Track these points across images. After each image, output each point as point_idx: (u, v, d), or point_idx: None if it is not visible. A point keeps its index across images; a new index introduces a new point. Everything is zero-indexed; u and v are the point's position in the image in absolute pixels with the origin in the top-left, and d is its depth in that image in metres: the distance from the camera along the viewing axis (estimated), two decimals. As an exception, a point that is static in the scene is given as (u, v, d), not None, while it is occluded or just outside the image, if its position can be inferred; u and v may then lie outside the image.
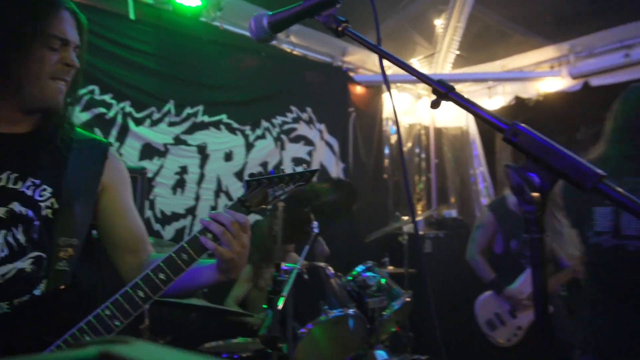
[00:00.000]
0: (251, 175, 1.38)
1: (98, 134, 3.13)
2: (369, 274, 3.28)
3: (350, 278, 3.33)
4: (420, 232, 4.61)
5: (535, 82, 5.27)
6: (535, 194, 0.73)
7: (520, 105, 5.59)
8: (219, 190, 3.80)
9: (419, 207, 6.06)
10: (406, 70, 0.96)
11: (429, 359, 3.38)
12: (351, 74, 5.02)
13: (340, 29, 1.05)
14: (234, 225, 1.22)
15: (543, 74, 5.22)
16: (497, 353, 3.48)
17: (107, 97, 3.31)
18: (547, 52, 5.14)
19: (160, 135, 3.53)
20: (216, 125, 3.84)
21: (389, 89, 1.14)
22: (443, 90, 0.86)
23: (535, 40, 5.12)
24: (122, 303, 1.17)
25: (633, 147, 1.87)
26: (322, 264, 3.07)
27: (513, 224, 3.43)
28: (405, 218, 3.87)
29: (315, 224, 2.85)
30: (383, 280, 3.28)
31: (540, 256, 0.73)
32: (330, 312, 2.77)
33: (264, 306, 3.11)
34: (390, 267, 3.99)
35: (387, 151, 5.51)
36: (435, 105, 0.88)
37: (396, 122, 1.08)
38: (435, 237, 4.59)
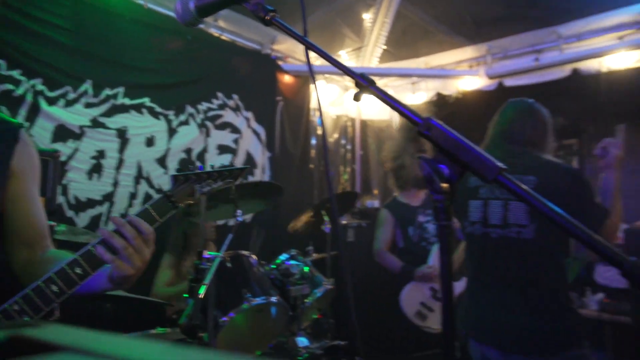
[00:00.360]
0: (179, 169, 1.36)
1: (5, 112, 2.91)
2: (292, 262, 3.32)
3: (273, 266, 3.35)
4: (344, 222, 4.71)
5: (455, 80, 5.54)
6: (444, 184, 0.78)
7: (441, 101, 5.85)
8: (139, 177, 3.65)
9: (343, 197, 6.19)
10: (331, 63, 0.99)
11: (348, 344, 3.48)
12: (280, 62, 5.00)
13: (267, 17, 1.06)
14: (136, 239, 1.17)
15: (462, 72, 5.49)
16: (418, 336, 3.65)
17: (15, 73, 3.06)
18: (467, 52, 5.41)
19: (75, 116, 3.33)
20: (138, 108, 3.68)
21: (313, 80, 1.15)
22: (364, 84, 0.89)
23: (457, 40, 5.37)
24: (33, 297, 1.11)
25: (503, 152, 2.15)
26: (245, 252, 3.07)
27: (406, 214, 3.64)
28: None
29: (239, 212, 2.83)
30: (306, 269, 3.33)
31: (448, 242, 0.78)
32: (253, 300, 2.78)
33: (185, 295, 3.07)
34: (315, 255, 4.05)
35: (313, 142, 5.57)
36: (357, 97, 0.91)
37: (320, 111, 1.09)
38: (358, 226, 4.71)
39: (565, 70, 5.03)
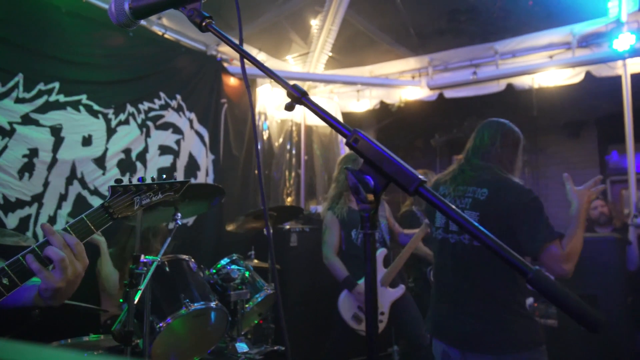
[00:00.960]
0: (117, 180, 1.32)
1: None
2: (233, 266, 3.30)
3: (214, 271, 3.32)
4: (287, 226, 4.72)
5: (399, 89, 5.69)
6: (370, 194, 0.81)
7: (384, 109, 6.00)
8: (73, 177, 3.50)
9: (288, 202, 6.20)
10: (265, 72, 1.00)
11: (287, 348, 3.49)
12: (225, 64, 4.96)
13: (203, 24, 1.06)
14: (66, 249, 1.12)
15: (405, 82, 5.65)
16: (355, 339, 3.70)
17: (-64, 64, 2.87)
18: (410, 63, 5.58)
19: (4, 112, 3.15)
20: (74, 105, 3.53)
21: (247, 87, 1.16)
22: (297, 95, 0.91)
23: (400, 50, 5.53)
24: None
25: (470, 165, 2.36)
26: (185, 257, 3.01)
27: (350, 217, 3.72)
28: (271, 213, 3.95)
29: (178, 215, 2.78)
30: (247, 273, 3.32)
31: (372, 249, 0.82)
32: (191, 305, 2.73)
33: (121, 300, 2.97)
34: (256, 261, 4.04)
35: (259, 147, 5.55)
36: (289, 108, 0.93)
37: (252, 114, 1.10)
38: (301, 231, 4.73)
39: (500, 85, 5.29)
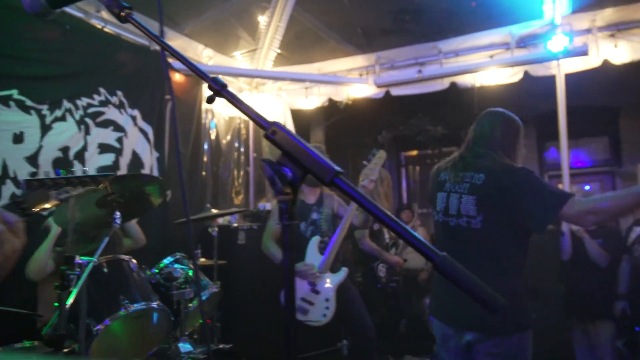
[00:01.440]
0: (32, 174, 1.27)
1: None
2: (176, 265, 3.24)
3: (156, 271, 3.24)
4: (235, 224, 4.67)
5: (347, 87, 5.74)
6: (287, 186, 0.81)
7: (332, 107, 6.04)
8: (4, 177, 3.32)
9: (237, 200, 6.14)
10: (185, 65, 0.99)
11: (233, 347, 3.46)
12: (170, 60, 4.83)
13: (122, 14, 1.03)
14: (14, 224, 1.09)
15: (353, 80, 5.71)
16: (305, 335, 3.68)
17: None
18: (357, 61, 5.64)
19: None
20: (4, 101, 3.34)
21: (168, 79, 1.13)
22: (216, 87, 0.90)
23: (348, 48, 5.59)
24: None
25: (471, 153, 2.42)
26: (125, 257, 2.93)
27: (300, 210, 3.73)
28: (215, 211, 3.90)
29: (117, 214, 2.69)
30: (190, 272, 3.26)
31: (290, 240, 0.82)
32: (131, 306, 2.66)
33: (56, 304, 2.84)
34: (202, 259, 3.98)
35: (206, 146, 5.46)
36: (210, 100, 0.92)
37: (172, 106, 1.09)
38: (249, 229, 4.69)
39: (444, 83, 5.44)
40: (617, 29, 4.76)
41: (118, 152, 4.27)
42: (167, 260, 3.26)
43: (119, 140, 4.28)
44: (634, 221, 3.68)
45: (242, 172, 6.18)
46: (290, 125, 6.27)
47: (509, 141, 2.40)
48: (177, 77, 4.93)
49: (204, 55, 5.14)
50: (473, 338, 2.26)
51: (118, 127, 4.26)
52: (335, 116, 6.97)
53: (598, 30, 4.78)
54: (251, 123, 6.15)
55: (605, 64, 4.82)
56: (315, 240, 3.63)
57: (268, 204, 5.46)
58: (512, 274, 2.28)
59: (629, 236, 3.32)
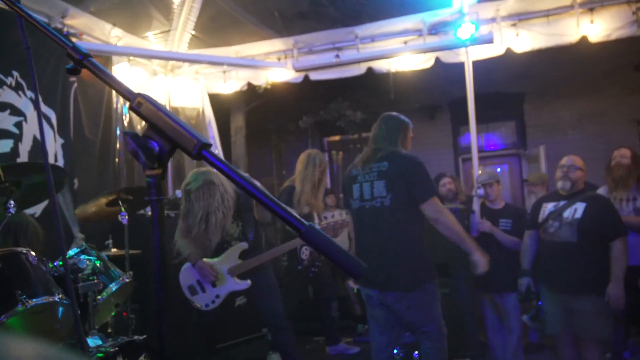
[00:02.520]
0: None
1: None
2: (82, 256, 3.07)
3: (60, 263, 3.06)
4: (150, 212, 4.50)
5: (265, 70, 5.68)
6: (154, 160, 0.78)
7: (252, 91, 5.96)
8: None
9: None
10: (40, 29, 0.91)
11: (147, 338, 3.35)
12: (74, 39, 4.53)
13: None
14: None
15: (272, 64, 5.66)
16: (230, 322, 3.62)
17: None
18: (276, 45, 5.59)
19: None
20: None
21: (27, 49, 1.06)
22: (78, 57, 0.85)
23: (266, 31, 5.53)
24: None
25: (376, 148, 2.98)
26: (23, 249, 2.73)
27: None
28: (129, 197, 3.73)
29: (11, 203, 2.50)
30: (98, 262, 3.11)
31: (159, 217, 0.80)
32: (29, 302, 2.49)
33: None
34: (114, 250, 3.81)
35: (118, 132, 5.19)
36: (72, 71, 0.86)
37: (34, 85, 1.01)
38: (166, 217, 4.55)
39: (361, 68, 5.53)
40: (518, 18, 5.07)
41: (17, 138, 3.97)
42: (72, 252, 3.08)
43: (18, 125, 3.97)
44: (540, 198, 3.93)
45: (159, 159, 5.95)
46: (209, 110, 6.12)
47: (402, 138, 3.02)
48: (83, 58, 4.63)
49: (113, 35, 4.87)
50: (394, 297, 2.85)
51: (16, 111, 3.95)
52: (256, 101, 6.89)
53: (502, 20, 5.06)
54: (167, 107, 5.92)
55: (509, 51, 5.13)
56: (241, 244, 3.52)
57: (185, 191, 5.31)
58: (416, 239, 2.90)
59: (538, 214, 3.48)
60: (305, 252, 4.50)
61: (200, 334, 3.78)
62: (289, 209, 0.74)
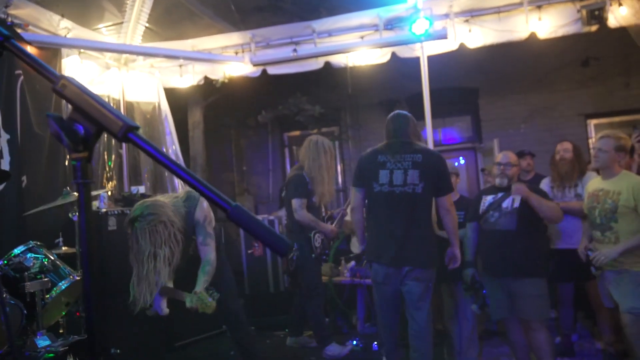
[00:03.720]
0: None
1: None
2: (29, 255, 2.98)
3: (5, 262, 2.95)
4: (104, 210, 4.39)
5: (223, 65, 5.62)
6: (78, 143, 0.77)
7: (209, 85, 5.89)
8: None
9: (110, 187, 5.77)
10: None
11: (100, 337, 3.29)
12: (19, 30, 4.35)
13: None
14: None
15: (229, 58, 5.59)
16: (191, 319, 3.55)
17: None
18: (232, 39, 5.53)
19: None
20: None
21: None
22: (-1, 38, 0.82)
23: (222, 25, 5.47)
24: None
25: (400, 142, 3.37)
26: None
27: None
28: (76, 194, 3.63)
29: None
30: (45, 260, 3.02)
31: (85, 200, 0.79)
32: (-30, 302, 2.40)
33: None
34: (65, 248, 3.71)
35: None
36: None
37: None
38: (120, 214, 4.44)
39: (319, 63, 5.55)
40: (470, 15, 5.19)
41: (-43, 133, 3.79)
42: (17, 250, 2.99)
43: (-42, 120, 3.79)
44: (479, 192, 4.11)
45: (113, 156, 5.80)
46: (164, 105, 6.01)
47: (414, 132, 3.48)
48: (29, 50, 4.45)
49: (61, 27, 4.70)
50: (408, 269, 3.26)
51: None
52: (214, 95, 6.80)
53: (455, 16, 5.17)
54: (122, 102, 5.78)
55: (462, 47, 5.26)
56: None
57: (141, 187, 5.20)
58: (431, 224, 3.49)
59: (479, 206, 3.64)
60: (318, 240, 4.40)
61: (159, 332, 3.72)
62: (215, 189, 0.75)
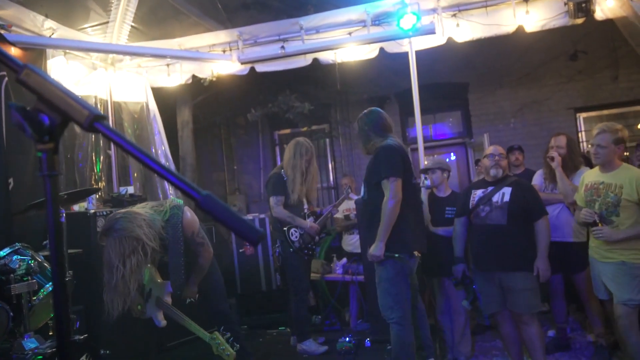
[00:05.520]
0: None
1: None
2: (15, 257, 2.94)
3: (-9, 265, 2.91)
4: (92, 211, 4.35)
5: (210, 63, 5.58)
6: (44, 134, 0.75)
7: (197, 84, 5.85)
8: None
9: (99, 187, 5.72)
10: None
11: (89, 338, 3.26)
12: (2, 31, 4.29)
13: None
14: None
15: (217, 56, 5.56)
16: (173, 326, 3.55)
17: None
18: (220, 37, 5.50)
19: None
20: None
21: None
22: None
23: (209, 23, 5.43)
24: None
25: (385, 134, 3.49)
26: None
27: None
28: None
29: None
30: (32, 262, 2.98)
31: (53, 194, 0.77)
32: (-46, 305, 2.37)
33: None
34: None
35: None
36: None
37: None
38: (109, 214, 4.39)
39: (307, 59, 5.53)
40: (458, 9, 5.19)
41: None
42: (3, 252, 2.94)
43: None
44: (468, 186, 4.10)
45: (102, 157, 5.75)
46: (152, 104, 5.96)
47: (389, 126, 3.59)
48: (13, 52, 4.40)
49: (45, 27, 4.65)
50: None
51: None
52: (202, 94, 6.76)
53: (442, 10, 5.17)
54: (110, 103, 5.73)
55: (450, 41, 5.25)
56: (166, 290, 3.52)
57: (130, 188, 5.16)
58: None
59: (468, 200, 3.63)
60: (295, 234, 4.46)
61: (149, 333, 3.69)
62: (185, 179, 0.73)
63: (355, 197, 5.11)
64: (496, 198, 3.45)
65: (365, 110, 3.67)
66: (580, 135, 7.73)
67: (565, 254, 3.73)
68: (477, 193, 3.59)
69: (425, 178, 4.52)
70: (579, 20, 4.96)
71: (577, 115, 7.82)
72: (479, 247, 3.54)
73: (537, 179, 4.18)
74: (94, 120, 0.74)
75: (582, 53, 7.37)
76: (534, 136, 7.44)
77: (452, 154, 8.72)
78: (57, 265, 0.73)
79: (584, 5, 4.84)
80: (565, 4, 4.98)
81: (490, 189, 3.53)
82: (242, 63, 5.45)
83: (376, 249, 3.24)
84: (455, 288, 3.80)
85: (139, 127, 6.04)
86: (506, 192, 3.42)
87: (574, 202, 3.54)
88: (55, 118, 0.75)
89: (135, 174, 5.95)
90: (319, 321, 5.42)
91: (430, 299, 4.57)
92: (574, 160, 3.98)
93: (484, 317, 4.63)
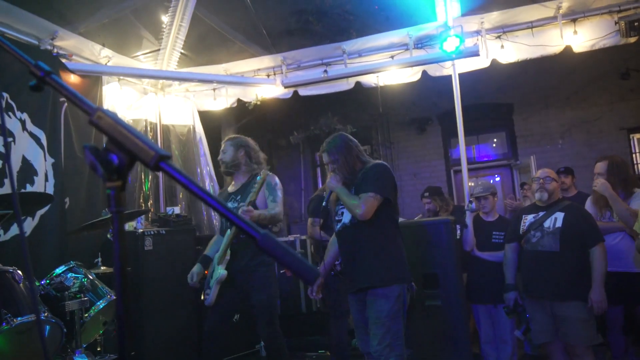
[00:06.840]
0: None
1: None
2: (70, 274, 3.07)
3: (47, 281, 3.06)
4: (140, 230, 4.51)
5: (255, 87, 5.73)
6: (113, 173, 0.80)
7: (242, 107, 6.00)
8: None
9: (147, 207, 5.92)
10: (7, 50, 0.94)
11: (136, 355, 3.35)
12: (64, 60, 4.57)
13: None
14: None
15: (261, 80, 5.71)
16: (224, 339, 3.55)
17: None
18: (264, 62, 5.65)
19: None
20: None
21: None
22: (40, 74, 0.87)
23: (254, 49, 5.58)
24: None
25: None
26: (8, 268, 2.73)
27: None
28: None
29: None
30: (85, 280, 3.11)
31: (119, 229, 0.81)
32: (14, 320, 2.50)
33: None
34: (103, 268, 3.81)
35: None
36: (35, 88, 0.88)
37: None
38: (156, 234, 4.55)
39: (349, 83, 5.59)
40: (502, 31, 5.13)
41: (3, 158, 3.97)
42: (59, 270, 3.09)
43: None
44: (519, 211, 3.95)
45: (150, 177, 5.96)
46: (199, 127, 6.15)
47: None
48: (73, 79, 4.67)
49: (102, 56, 4.91)
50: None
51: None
52: (246, 117, 6.92)
53: (486, 32, 5.13)
54: (159, 126, 5.96)
55: (494, 63, 5.20)
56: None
57: (176, 208, 5.32)
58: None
59: (519, 225, 3.51)
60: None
61: (192, 351, 3.75)
62: (243, 217, 0.76)
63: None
64: (548, 223, 3.30)
65: (329, 139, 3.10)
66: (634, 157, 7.42)
67: (629, 286, 3.51)
68: (528, 218, 3.45)
69: (471, 202, 4.42)
70: (632, 39, 4.81)
71: (631, 136, 7.51)
72: (530, 274, 3.39)
73: (589, 207, 3.98)
74: (159, 160, 0.78)
75: (634, 71, 7.12)
76: (583, 157, 7.20)
77: (496, 176, 8.54)
78: (122, 299, 0.77)
79: (636, 24, 4.70)
80: (616, 23, 4.84)
81: (541, 213, 3.38)
82: (285, 87, 5.56)
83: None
84: (507, 317, 3.67)
85: (185, 149, 6.23)
86: (558, 217, 3.27)
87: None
88: (124, 158, 0.80)
89: (181, 195, 6.12)
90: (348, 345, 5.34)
91: (473, 326, 4.44)
92: (624, 183, 3.63)
93: (531, 347, 4.46)
